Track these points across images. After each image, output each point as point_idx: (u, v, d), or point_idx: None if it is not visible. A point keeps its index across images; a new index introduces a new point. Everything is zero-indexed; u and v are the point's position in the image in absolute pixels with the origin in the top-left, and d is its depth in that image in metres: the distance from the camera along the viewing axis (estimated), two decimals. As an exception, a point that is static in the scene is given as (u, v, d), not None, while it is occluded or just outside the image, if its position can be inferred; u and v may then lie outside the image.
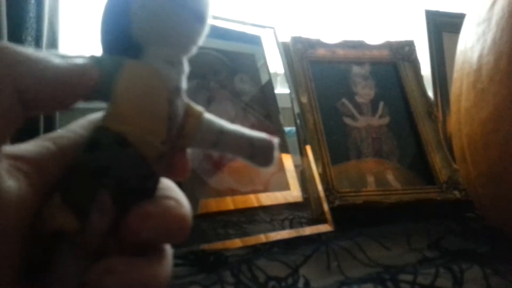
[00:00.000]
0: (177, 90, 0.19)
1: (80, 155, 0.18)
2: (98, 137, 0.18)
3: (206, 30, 0.20)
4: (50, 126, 0.73)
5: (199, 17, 0.19)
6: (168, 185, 0.20)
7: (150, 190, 0.19)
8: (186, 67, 0.20)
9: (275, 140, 0.21)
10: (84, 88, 0.17)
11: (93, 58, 0.18)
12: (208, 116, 0.20)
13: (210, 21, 0.20)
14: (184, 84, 0.20)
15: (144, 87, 0.18)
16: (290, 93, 0.63)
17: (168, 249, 0.20)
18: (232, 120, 0.60)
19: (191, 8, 0.19)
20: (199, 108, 0.20)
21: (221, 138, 0.20)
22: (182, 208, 0.20)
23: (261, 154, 0.21)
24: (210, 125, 0.20)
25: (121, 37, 0.18)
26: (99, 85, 0.17)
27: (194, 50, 0.20)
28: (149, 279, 0.18)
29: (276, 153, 0.21)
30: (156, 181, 0.19)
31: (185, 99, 0.20)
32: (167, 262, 0.20)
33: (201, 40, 0.20)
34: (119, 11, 0.18)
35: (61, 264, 0.17)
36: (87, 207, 0.17)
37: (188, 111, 0.20)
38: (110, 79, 0.18)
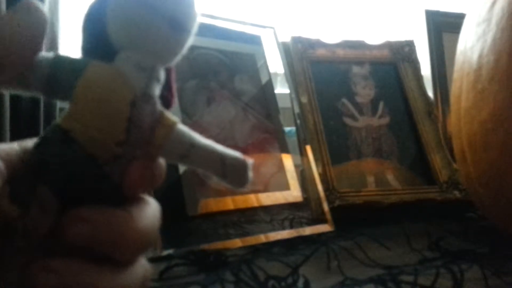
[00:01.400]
0: (144, 95, 0.19)
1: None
2: (47, 132, 0.18)
3: (186, 40, 0.20)
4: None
5: (175, 25, 0.19)
6: (142, 198, 0.20)
7: (107, 193, 0.18)
8: (161, 76, 0.20)
9: (250, 161, 0.21)
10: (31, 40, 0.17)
11: (59, 56, 0.18)
12: (181, 127, 0.20)
13: (195, 28, 0.20)
14: (156, 91, 0.19)
15: (102, 87, 0.18)
16: (290, 93, 0.63)
17: (141, 264, 0.20)
18: (232, 120, 0.60)
19: (165, 15, 0.18)
20: (173, 118, 0.20)
21: (191, 151, 0.20)
22: (130, 222, 0.18)
23: (233, 173, 0.20)
24: (181, 137, 0.20)
25: (97, 42, 0.19)
26: (61, 83, 0.18)
27: (174, 60, 0.20)
28: (90, 284, 0.17)
29: (250, 173, 0.20)
30: (113, 185, 0.18)
31: (159, 107, 0.19)
32: (126, 275, 0.19)
33: (183, 50, 0.20)
34: (96, 16, 0.19)
35: (3, 257, 0.17)
36: (28, 200, 0.17)
37: (160, 120, 0.19)
38: (72, 79, 0.18)
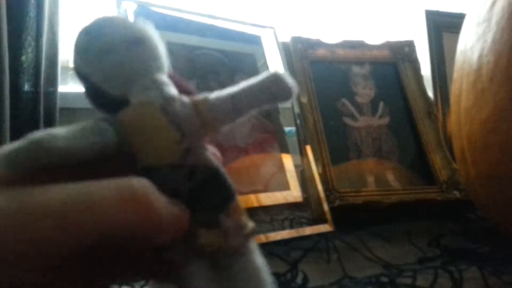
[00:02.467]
0: (166, 99, 0.20)
1: None
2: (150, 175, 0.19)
3: (151, 44, 0.21)
4: (49, 127, 0.73)
5: (132, 43, 0.20)
6: None
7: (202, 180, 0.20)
8: (162, 79, 0.21)
9: (279, 70, 0.22)
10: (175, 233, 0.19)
11: (100, 125, 0.20)
12: (213, 94, 0.21)
13: (152, 29, 0.21)
14: (171, 90, 0.21)
15: (140, 122, 0.20)
16: (290, 93, 0.62)
17: None
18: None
19: (120, 43, 0.20)
20: (202, 95, 0.21)
21: (236, 101, 0.21)
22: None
23: (276, 89, 0.21)
24: (219, 100, 0.21)
25: (106, 101, 0.21)
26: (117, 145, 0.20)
27: (163, 61, 0.21)
28: None
29: (287, 79, 0.22)
30: (204, 173, 0.20)
31: (186, 99, 0.21)
32: None
33: (158, 52, 0.21)
34: (91, 87, 0.21)
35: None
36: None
37: (195, 104, 0.21)
38: (104, 135, 0.20)
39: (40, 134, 0.18)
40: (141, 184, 0.18)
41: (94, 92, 0.21)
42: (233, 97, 0.21)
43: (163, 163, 0.20)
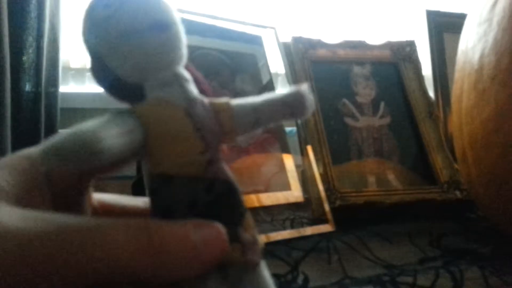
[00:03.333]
0: (189, 100, 0.19)
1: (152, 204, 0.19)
2: (150, 187, 0.18)
3: (177, 31, 0.19)
4: (50, 128, 0.73)
5: (159, 27, 0.18)
6: None
7: (223, 194, 0.19)
8: (185, 74, 0.19)
9: (303, 88, 0.21)
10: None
11: (110, 116, 0.18)
12: (235, 101, 0.20)
13: (176, 14, 0.19)
14: (193, 89, 0.19)
15: (161, 125, 0.18)
16: (291, 93, 0.62)
17: None
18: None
19: (146, 26, 0.18)
20: (222, 100, 0.20)
21: (258, 114, 0.20)
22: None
23: (296, 106, 0.21)
24: (242, 109, 0.20)
25: (120, 87, 0.19)
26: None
27: (181, 54, 0.19)
28: None
29: (308, 98, 0.21)
30: (223, 186, 0.19)
31: (205, 99, 0.19)
32: None
33: (181, 42, 0.19)
34: (100, 66, 0.19)
35: None
36: None
37: (215, 108, 0.19)
38: (135, 133, 0.18)
39: (86, 133, 0.16)
40: (157, 226, 0.16)
41: (102, 71, 0.19)
42: (256, 108, 0.20)
43: (184, 174, 0.18)
